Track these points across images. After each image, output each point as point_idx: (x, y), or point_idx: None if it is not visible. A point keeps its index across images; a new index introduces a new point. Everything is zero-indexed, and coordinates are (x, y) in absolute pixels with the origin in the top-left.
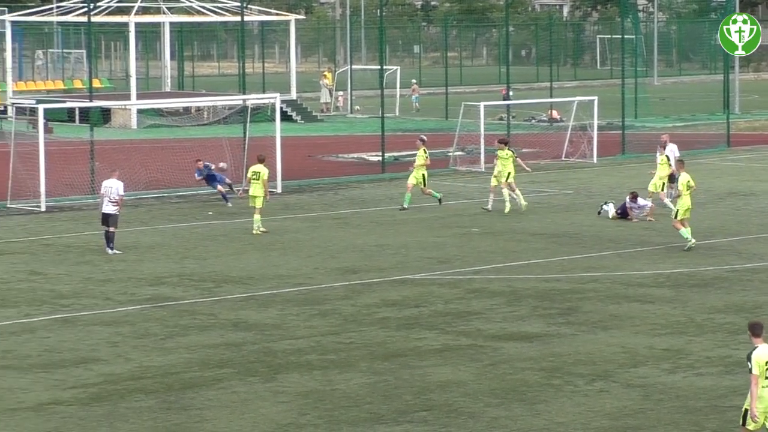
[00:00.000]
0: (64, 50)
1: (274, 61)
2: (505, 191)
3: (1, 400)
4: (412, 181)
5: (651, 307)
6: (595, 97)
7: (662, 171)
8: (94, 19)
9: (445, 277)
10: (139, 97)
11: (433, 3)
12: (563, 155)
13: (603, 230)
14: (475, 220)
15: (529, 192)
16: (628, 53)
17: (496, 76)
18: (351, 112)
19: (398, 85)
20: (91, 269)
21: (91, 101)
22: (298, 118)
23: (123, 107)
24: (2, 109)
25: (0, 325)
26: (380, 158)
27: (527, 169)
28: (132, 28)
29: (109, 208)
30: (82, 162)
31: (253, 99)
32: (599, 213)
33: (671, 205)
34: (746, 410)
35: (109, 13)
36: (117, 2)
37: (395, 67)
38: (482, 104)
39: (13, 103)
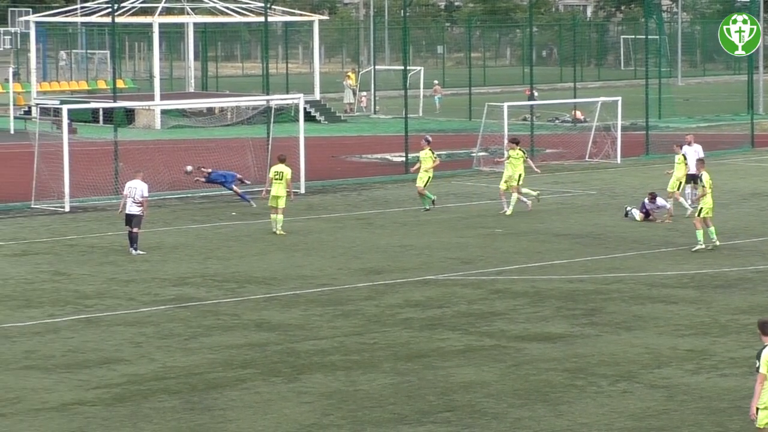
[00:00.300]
0: (88, 51)
1: (297, 61)
2: (515, 195)
3: (25, 401)
4: (420, 183)
5: (675, 308)
6: (619, 98)
7: (679, 171)
8: (118, 19)
9: (469, 278)
10: (163, 97)
11: (456, 3)
12: (587, 156)
13: (627, 231)
14: (499, 220)
15: (553, 193)
16: (652, 54)
17: (520, 76)
18: (374, 113)
19: (422, 86)
20: (115, 270)
21: (114, 102)
22: (322, 118)
23: (147, 108)
24: (26, 109)
25: (24, 325)
26: (404, 159)
27: (537, 170)
28: (156, 29)
29: (133, 209)
30: (106, 162)
31: (277, 99)
32: (626, 215)
33: (686, 204)
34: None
35: (132, 14)
36: (141, 3)
37: (419, 68)
38: (506, 105)
39: (38, 104)
